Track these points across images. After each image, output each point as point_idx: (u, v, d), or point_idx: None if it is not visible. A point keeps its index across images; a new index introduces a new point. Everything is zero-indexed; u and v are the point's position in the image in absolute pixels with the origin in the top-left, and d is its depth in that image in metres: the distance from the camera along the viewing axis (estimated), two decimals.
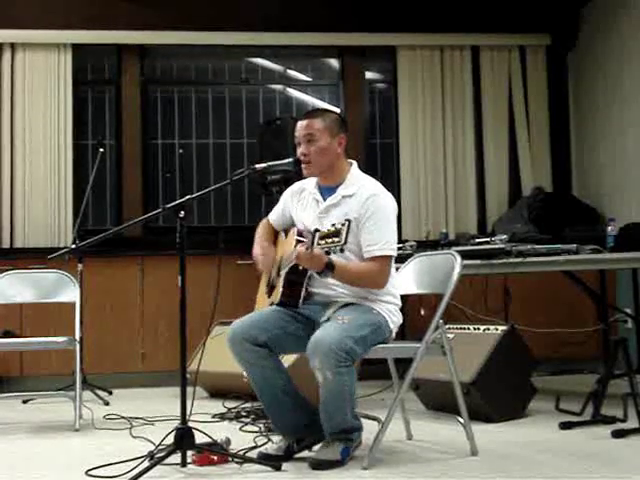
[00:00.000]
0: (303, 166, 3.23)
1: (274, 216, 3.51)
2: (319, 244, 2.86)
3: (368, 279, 3.14)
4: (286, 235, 3.42)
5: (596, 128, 6.27)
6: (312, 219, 3.25)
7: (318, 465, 3.01)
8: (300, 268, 3.12)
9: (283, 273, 3.22)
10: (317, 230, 2.90)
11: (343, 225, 2.81)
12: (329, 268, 2.98)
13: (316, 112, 3.33)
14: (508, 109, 6.52)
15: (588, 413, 3.77)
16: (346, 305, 3.17)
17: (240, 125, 6.55)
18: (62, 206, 5.99)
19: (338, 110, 6.31)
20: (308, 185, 3.36)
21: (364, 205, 3.14)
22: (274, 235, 3.50)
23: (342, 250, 2.90)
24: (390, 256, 3.15)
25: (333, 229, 2.84)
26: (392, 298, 3.23)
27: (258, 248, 3.38)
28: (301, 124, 3.24)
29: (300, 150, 3.23)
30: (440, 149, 6.38)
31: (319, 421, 3.10)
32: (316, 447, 3.15)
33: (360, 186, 3.22)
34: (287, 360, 3.36)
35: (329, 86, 6.71)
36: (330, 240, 2.83)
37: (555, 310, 5.84)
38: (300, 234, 3.20)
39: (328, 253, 2.93)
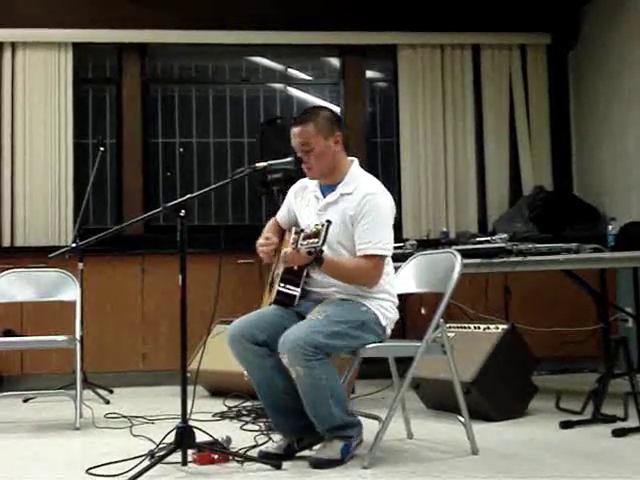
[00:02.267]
0: (305, 171, 3.26)
1: (280, 215, 3.52)
2: (302, 244, 2.90)
3: (358, 276, 3.14)
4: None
5: (597, 127, 6.27)
6: (312, 216, 3.26)
7: (318, 464, 3.00)
8: (295, 268, 3.13)
9: (279, 272, 3.24)
10: (302, 230, 2.96)
11: (322, 226, 2.84)
12: (317, 261, 2.99)
13: (306, 116, 3.25)
14: (509, 108, 6.52)
15: (589, 412, 3.77)
16: (336, 301, 3.16)
17: (241, 124, 6.56)
18: (62, 205, 5.99)
19: (335, 108, 6.31)
20: (310, 183, 3.37)
21: (360, 203, 3.14)
22: (281, 232, 3.51)
23: (321, 251, 2.92)
24: (382, 255, 3.14)
25: (315, 230, 2.88)
26: (388, 296, 3.22)
27: (259, 239, 3.37)
28: (293, 132, 3.23)
29: (299, 157, 3.23)
30: (441, 148, 6.38)
31: None
32: (316, 446, 3.15)
33: (358, 184, 3.21)
34: None
35: (330, 85, 6.71)
36: (311, 241, 2.87)
37: (556, 309, 5.83)
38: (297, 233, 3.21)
39: (310, 253, 2.94)
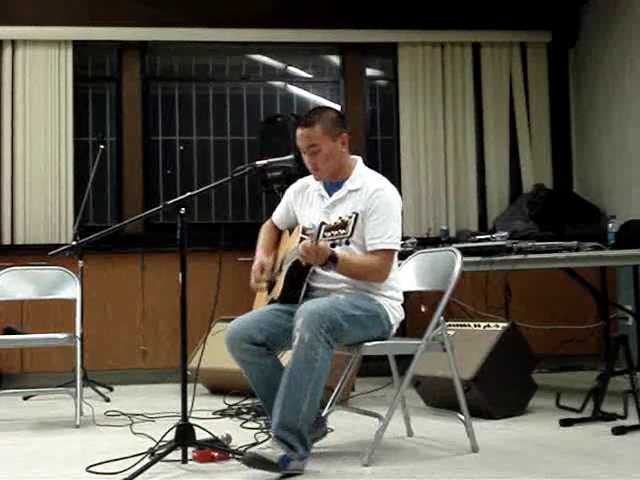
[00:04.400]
0: (312, 172, 3.24)
1: (277, 215, 3.50)
2: (325, 236, 2.85)
3: (370, 272, 3.13)
4: (290, 233, 3.41)
5: (597, 125, 6.28)
6: (318, 215, 3.24)
7: (254, 460, 2.80)
8: (303, 264, 3.11)
9: (285, 269, 3.22)
10: (323, 223, 2.89)
11: (350, 217, 2.82)
12: (332, 260, 2.98)
13: (312, 117, 3.22)
14: (509, 106, 6.52)
15: (588, 410, 3.77)
16: (347, 293, 3.16)
17: (241, 122, 6.56)
18: (63, 203, 5.99)
19: (336, 106, 6.31)
20: (312, 182, 3.35)
21: (370, 199, 3.14)
22: (277, 236, 3.49)
23: (348, 242, 2.90)
24: (393, 250, 3.14)
25: (340, 221, 2.83)
26: (394, 293, 3.22)
27: (257, 272, 3.30)
28: (300, 134, 3.19)
29: (306, 158, 3.22)
30: (441, 146, 6.38)
31: (319, 419, 3.09)
32: (322, 442, 3.11)
33: (366, 180, 3.21)
34: (287, 357, 3.36)
35: (330, 83, 6.71)
36: (336, 232, 2.82)
37: (556, 307, 5.84)
38: (305, 232, 3.19)
39: (334, 245, 2.93)
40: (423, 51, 6.43)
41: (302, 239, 3.12)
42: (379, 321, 3.11)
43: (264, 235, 3.48)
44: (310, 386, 2.86)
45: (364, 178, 3.23)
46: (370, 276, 3.15)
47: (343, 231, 2.81)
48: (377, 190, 3.16)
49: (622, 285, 5.79)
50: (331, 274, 3.13)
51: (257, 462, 2.79)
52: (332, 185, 3.28)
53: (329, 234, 2.84)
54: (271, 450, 2.81)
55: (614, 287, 5.83)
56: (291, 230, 3.42)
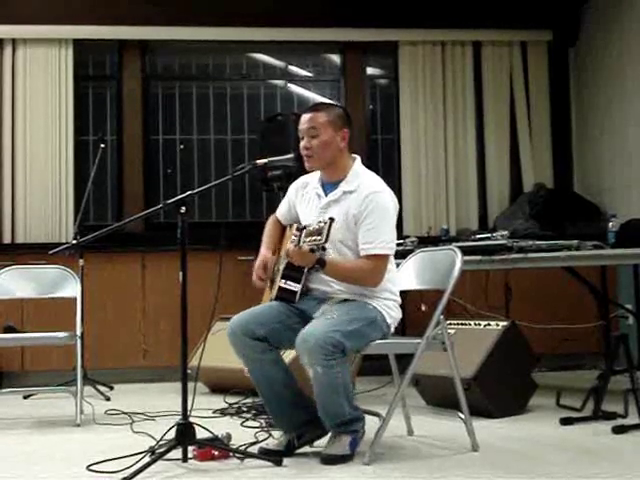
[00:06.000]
0: (305, 159, 3.23)
1: (281, 211, 3.51)
2: (305, 241, 2.90)
3: (361, 277, 3.13)
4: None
5: (597, 124, 6.27)
6: (314, 214, 3.25)
7: (329, 460, 3.00)
8: (296, 264, 3.12)
9: (281, 268, 3.23)
10: (304, 227, 2.95)
11: (325, 223, 2.83)
12: (320, 264, 2.99)
13: (320, 106, 3.32)
14: (509, 105, 6.52)
15: (589, 409, 3.77)
16: (342, 301, 3.16)
17: (241, 121, 6.56)
18: (63, 202, 6.00)
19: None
20: (312, 180, 3.36)
21: (364, 202, 3.13)
22: (282, 232, 3.50)
23: (324, 248, 2.92)
24: (385, 255, 3.14)
25: (317, 227, 2.87)
26: (390, 294, 3.22)
27: (259, 269, 3.32)
28: (305, 117, 3.24)
29: (302, 143, 3.23)
30: (441, 145, 6.38)
31: (317, 419, 3.10)
32: (323, 441, 3.13)
33: (361, 182, 3.20)
34: (288, 355, 3.36)
35: (330, 82, 6.71)
36: (313, 238, 2.87)
37: (556, 306, 5.84)
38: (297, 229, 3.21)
39: (313, 251, 2.94)
40: (424, 50, 6.43)
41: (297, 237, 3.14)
42: (377, 326, 3.12)
43: (268, 231, 3.50)
44: (342, 391, 2.99)
45: (360, 179, 3.22)
46: (362, 281, 3.15)
47: (318, 237, 2.85)
48: (371, 193, 3.14)
49: (622, 284, 5.78)
50: (326, 276, 3.14)
51: (334, 461, 2.99)
52: (329, 185, 3.28)
53: (308, 239, 2.89)
54: (338, 445, 3.03)
55: (614, 286, 5.83)
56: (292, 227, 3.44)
